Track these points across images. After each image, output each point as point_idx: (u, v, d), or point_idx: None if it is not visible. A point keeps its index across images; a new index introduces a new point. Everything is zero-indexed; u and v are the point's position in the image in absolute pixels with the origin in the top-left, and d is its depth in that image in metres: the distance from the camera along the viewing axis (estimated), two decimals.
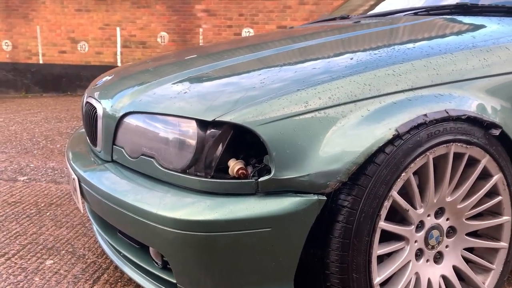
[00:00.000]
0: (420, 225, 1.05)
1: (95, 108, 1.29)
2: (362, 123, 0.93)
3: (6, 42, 6.97)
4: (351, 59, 1.07)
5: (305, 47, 1.30)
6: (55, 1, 6.70)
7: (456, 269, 1.11)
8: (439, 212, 1.08)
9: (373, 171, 0.92)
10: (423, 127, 0.95)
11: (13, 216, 1.95)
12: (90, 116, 1.35)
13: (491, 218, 1.14)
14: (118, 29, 6.70)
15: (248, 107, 0.93)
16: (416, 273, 1.06)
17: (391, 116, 0.94)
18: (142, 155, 1.08)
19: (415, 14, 1.57)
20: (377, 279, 0.96)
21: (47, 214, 1.97)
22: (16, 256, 1.59)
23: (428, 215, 1.06)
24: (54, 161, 2.90)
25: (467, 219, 1.11)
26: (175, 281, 1.00)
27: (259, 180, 0.90)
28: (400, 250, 1.02)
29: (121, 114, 1.14)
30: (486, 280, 1.15)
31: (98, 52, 6.80)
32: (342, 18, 1.89)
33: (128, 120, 1.13)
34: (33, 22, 6.86)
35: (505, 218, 1.13)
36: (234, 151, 0.97)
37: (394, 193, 0.95)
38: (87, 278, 1.44)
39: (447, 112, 0.98)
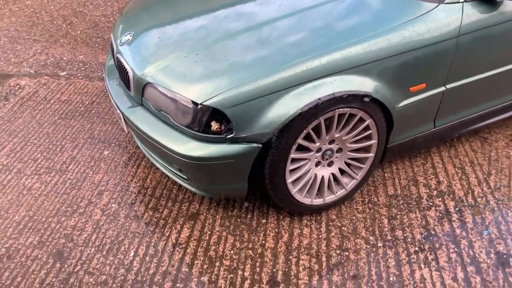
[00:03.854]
0: (319, 150, 1.88)
1: (126, 69, 1.98)
2: (284, 104, 1.66)
3: None
4: (285, 54, 1.71)
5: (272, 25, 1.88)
6: None
7: (340, 169, 1.99)
8: (332, 141, 1.89)
9: (287, 130, 1.70)
10: (317, 105, 1.69)
11: (70, 113, 2.79)
12: (122, 70, 2.05)
13: (365, 141, 1.95)
14: None
15: (222, 94, 1.64)
16: (315, 174, 1.94)
17: (300, 100, 1.66)
18: (161, 110, 1.84)
19: None
20: (289, 180, 1.85)
21: (93, 112, 2.80)
22: (84, 148, 2.48)
23: (324, 144, 1.88)
24: (81, 53, 3.57)
25: (350, 143, 1.93)
26: (186, 178, 1.90)
27: (227, 136, 1.70)
28: (305, 164, 1.88)
29: (144, 83, 1.86)
30: (359, 172, 2.03)
31: None
32: None
33: (151, 87, 1.85)
34: None
35: (373, 141, 1.95)
36: (216, 115, 1.72)
37: (299, 140, 1.75)
38: (133, 164, 2.37)
39: (334, 95, 1.69)
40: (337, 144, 1.92)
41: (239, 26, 1.90)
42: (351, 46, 1.72)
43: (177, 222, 2.02)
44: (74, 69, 3.32)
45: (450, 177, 2.26)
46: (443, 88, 2.00)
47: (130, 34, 2.10)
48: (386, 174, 2.29)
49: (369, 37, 1.74)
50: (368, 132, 1.91)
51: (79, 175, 2.29)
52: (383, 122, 1.92)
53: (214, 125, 1.70)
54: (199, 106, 1.68)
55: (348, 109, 1.78)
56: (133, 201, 2.13)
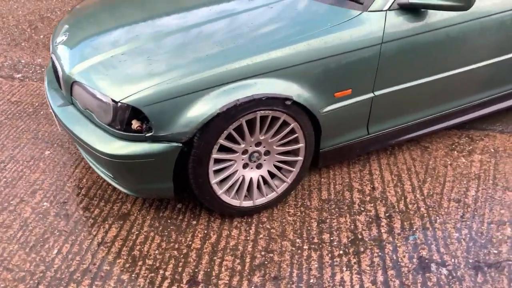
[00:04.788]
0: (245, 151, 1.90)
1: (57, 68, 2.00)
2: (203, 104, 1.69)
3: None
4: (207, 55, 1.74)
5: (196, 28, 1.92)
6: None
7: (269, 172, 2.01)
8: (259, 144, 1.92)
9: (207, 131, 1.72)
10: (236, 107, 1.71)
11: (17, 114, 2.79)
12: (55, 70, 2.07)
13: (293, 144, 1.98)
14: None
15: (140, 93, 1.67)
16: (243, 176, 1.96)
17: (219, 101, 1.69)
18: (87, 108, 1.86)
19: None
20: (213, 181, 1.86)
21: (41, 113, 2.81)
22: (25, 148, 2.48)
23: (251, 146, 1.90)
24: (40, 56, 3.58)
25: (277, 146, 1.96)
26: (113, 177, 1.90)
27: (146, 135, 1.71)
28: (231, 165, 1.90)
29: (71, 81, 1.88)
30: (289, 175, 2.06)
31: None
32: None
33: (77, 85, 1.87)
34: None
35: (301, 145, 1.98)
36: (137, 114, 1.74)
37: (220, 140, 1.77)
38: (72, 164, 2.37)
39: (253, 97, 1.72)
40: (264, 147, 1.95)
41: (167, 29, 1.94)
42: (271, 50, 1.76)
43: (106, 222, 2.02)
44: (31, 71, 3.33)
45: (385, 184, 2.29)
46: (371, 95, 2.04)
47: (66, 34, 2.13)
48: (322, 179, 2.31)
49: (289, 42, 1.78)
50: (295, 135, 1.94)
51: (15, 174, 2.28)
52: (309, 126, 1.95)
53: (135, 124, 1.72)
54: (119, 104, 1.70)
55: (269, 112, 1.81)
56: (65, 200, 2.13)
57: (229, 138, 1.82)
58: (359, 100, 2.02)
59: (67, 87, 1.93)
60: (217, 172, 1.89)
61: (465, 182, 2.30)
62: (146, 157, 1.74)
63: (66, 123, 1.91)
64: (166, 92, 1.67)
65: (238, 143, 1.85)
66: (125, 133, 1.74)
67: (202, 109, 1.69)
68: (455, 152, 2.53)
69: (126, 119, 1.72)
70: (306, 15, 1.93)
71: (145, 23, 2.04)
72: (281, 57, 1.76)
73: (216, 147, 1.79)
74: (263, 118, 1.83)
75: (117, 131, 1.75)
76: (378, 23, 1.90)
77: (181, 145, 1.74)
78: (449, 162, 2.45)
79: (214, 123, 1.72)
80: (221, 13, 1.99)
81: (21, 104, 2.90)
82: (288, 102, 1.82)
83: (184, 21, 1.98)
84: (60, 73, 1.96)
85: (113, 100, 1.70)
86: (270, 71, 1.76)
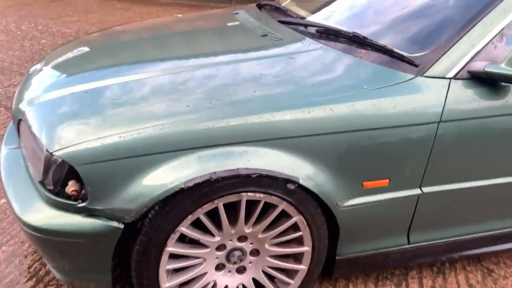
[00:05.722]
0: (221, 247, 1.33)
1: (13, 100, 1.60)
2: (163, 173, 1.17)
3: None
4: (187, 106, 1.25)
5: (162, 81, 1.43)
6: None
7: (255, 280, 1.40)
8: (243, 238, 1.34)
9: (163, 212, 1.18)
10: (211, 182, 1.17)
11: None
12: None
13: (296, 245, 1.38)
14: None
15: (80, 145, 1.17)
16: (214, 281, 1.36)
17: (186, 170, 1.16)
18: (25, 155, 1.40)
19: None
20: (166, 285, 1.28)
21: None
22: None
23: (230, 240, 1.32)
24: None
25: (271, 245, 1.36)
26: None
27: (78, 205, 1.20)
28: (196, 265, 1.32)
29: (18, 118, 1.44)
30: None
31: None
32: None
33: (23, 124, 1.43)
34: None
35: (305, 248, 1.37)
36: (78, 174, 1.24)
37: (182, 228, 1.21)
38: None
39: (238, 171, 1.18)
40: (251, 244, 1.36)
41: (153, 70, 1.47)
42: (277, 110, 1.23)
43: None
44: None
45: None
46: (417, 191, 1.43)
47: (42, 64, 1.75)
48: None
49: (304, 103, 1.25)
50: (298, 233, 1.35)
51: None
52: (321, 223, 1.35)
53: (71, 186, 1.21)
54: (53, 157, 1.21)
55: (262, 196, 1.24)
56: None
57: (198, 225, 1.26)
58: (399, 197, 1.41)
59: (15, 124, 1.50)
60: (175, 272, 1.32)
61: None
62: (72, 237, 1.21)
63: (1, 166, 1.46)
64: (116, 148, 1.16)
65: (211, 235, 1.29)
66: (55, 198, 1.23)
67: (160, 179, 1.16)
68: None
69: (63, 178, 1.23)
70: (336, 72, 1.41)
71: (131, 64, 1.57)
72: (289, 121, 1.22)
73: (174, 237, 1.22)
74: (252, 203, 1.27)
75: (48, 194, 1.25)
76: (437, 94, 1.33)
77: (122, 226, 1.20)
78: None
79: (175, 202, 1.18)
80: (224, 58, 1.52)
81: None
82: (291, 186, 1.25)
83: (177, 65, 1.51)
84: (13, 106, 1.55)
85: (47, 150, 1.23)
86: (270, 139, 1.22)
